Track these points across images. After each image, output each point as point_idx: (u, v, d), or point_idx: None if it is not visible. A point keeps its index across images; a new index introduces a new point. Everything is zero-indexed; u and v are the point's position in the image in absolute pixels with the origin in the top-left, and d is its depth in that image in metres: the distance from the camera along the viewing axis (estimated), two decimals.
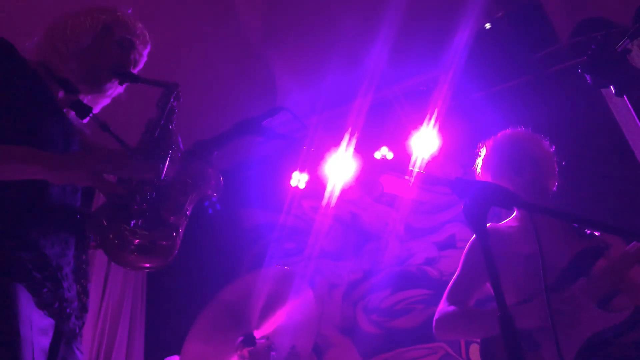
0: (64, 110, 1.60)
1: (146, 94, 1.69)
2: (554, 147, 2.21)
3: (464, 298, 1.97)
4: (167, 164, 1.57)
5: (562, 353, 1.44)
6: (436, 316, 1.99)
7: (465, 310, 1.94)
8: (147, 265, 1.51)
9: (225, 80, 3.73)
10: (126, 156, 1.41)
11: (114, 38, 1.69)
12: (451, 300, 1.98)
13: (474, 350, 3.17)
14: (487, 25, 3.41)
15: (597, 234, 1.99)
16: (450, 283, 2.05)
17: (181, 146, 1.67)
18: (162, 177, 1.55)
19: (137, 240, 1.44)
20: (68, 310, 1.40)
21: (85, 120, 1.65)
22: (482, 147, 2.26)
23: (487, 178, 2.18)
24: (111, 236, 1.42)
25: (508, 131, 2.24)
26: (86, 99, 1.68)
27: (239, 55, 3.60)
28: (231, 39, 3.48)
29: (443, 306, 2.00)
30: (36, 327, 1.29)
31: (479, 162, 2.24)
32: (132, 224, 1.44)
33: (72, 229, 1.48)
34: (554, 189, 2.14)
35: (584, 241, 1.96)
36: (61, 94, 1.61)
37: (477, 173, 2.24)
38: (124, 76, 1.68)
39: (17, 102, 1.44)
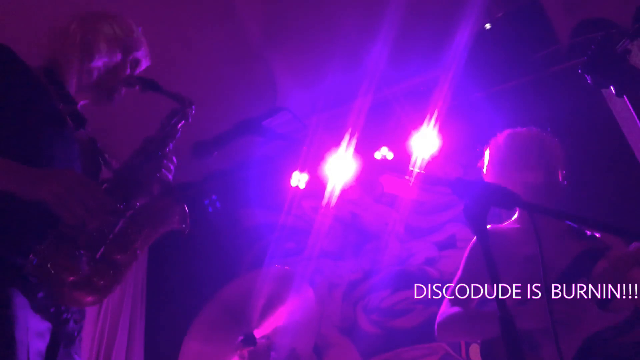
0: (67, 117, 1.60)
1: (149, 99, 1.70)
2: (559, 144, 2.20)
3: (466, 300, 1.97)
4: (137, 201, 1.53)
5: (562, 353, 1.44)
6: (438, 319, 1.99)
7: (467, 313, 1.94)
8: (89, 299, 1.45)
9: (225, 81, 3.72)
10: (89, 192, 1.34)
11: (128, 59, 1.71)
12: (453, 302, 1.98)
13: (474, 350, 3.17)
14: (487, 26, 3.41)
15: (597, 235, 1.99)
16: (452, 285, 2.05)
17: (172, 168, 1.65)
18: (137, 203, 1.52)
19: (71, 278, 1.38)
20: (65, 315, 1.40)
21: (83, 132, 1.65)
22: (487, 145, 2.25)
23: (492, 176, 2.18)
24: (49, 266, 1.36)
25: (513, 129, 2.23)
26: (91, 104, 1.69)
27: (239, 56, 3.60)
28: (231, 39, 3.48)
29: (445, 308, 1.99)
30: (32, 331, 1.29)
31: (485, 160, 2.24)
32: (76, 254, 1.39)
33: None
34: (564, 183, 2.12)
35: (585, 242, 1.96)
36: (61, 106, 1.61)
37: (482, 171, 2.24)
38: (146, 84, 1.69)
39: (17, 108, 1.44)
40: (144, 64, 1.78)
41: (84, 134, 1.64)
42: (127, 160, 1.60)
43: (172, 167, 1.66)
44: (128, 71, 1.72)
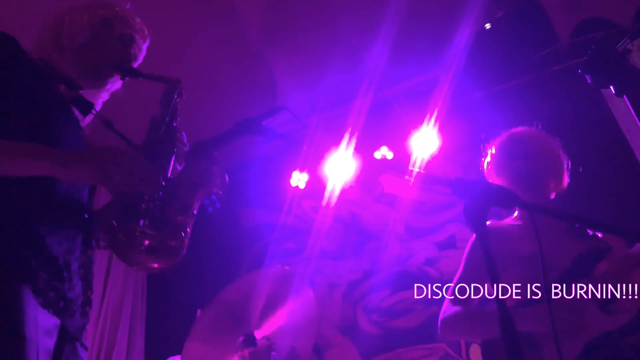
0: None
1: (147, 91, 1.69)
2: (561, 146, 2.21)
3: (467, 300, 1.97)
4: (172, 162, 1.58)
5: (564, 355, 1.43)
6: (441, 317, 1.98)
7: (469, 311, 1.93)
8: (156, 265, 1.52)
9: (225, 80, 3.72)
10: (135, 162, 1.40)
11: (114, 33, 1.69)
12: (455, 301, 1.98)
13: (474, 351, 3.17)
14: (487, 26, 3.41)
15: (599, 235, 1.99)
16: (453, 283, 2.05)
17: (185, 141, 1.68)
18: (169, 176, 1.56)
19: (147, 241, 1.45)
20: (73, 308, 1.40)
21: (89, 118, 1.65)
22: (491, 144, 2.25)
23: (492, 175, 2.18)
24: (121, 236, 1.43)
25: (517, 129, 2.23)
26: (86, 95, 1.68)
27: (239, 55, 3.60)
28: (231, 39, 3.48)
29: (447, 307, 1.99)
30: (41, 328, 1.29)
31: (487, 159, 2.24)
32: (140, 224, 1.45)
33: (79, 225, 1.48)
34: (562, 191, 2.13)
35: (586, 242, 1.95)
36: (63, 90, 1.61)
37: (484, 170, 2.24)
38: (126, 71, 1.68)
39: (26, 98, 1.44)
40: (141, 42, 1.75)
41: (97, 119, 1.65)
42: (145, 139, 1.62)
43: (184, 140, 1.68)
44: (121, 48, 1.69)
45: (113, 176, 1.36)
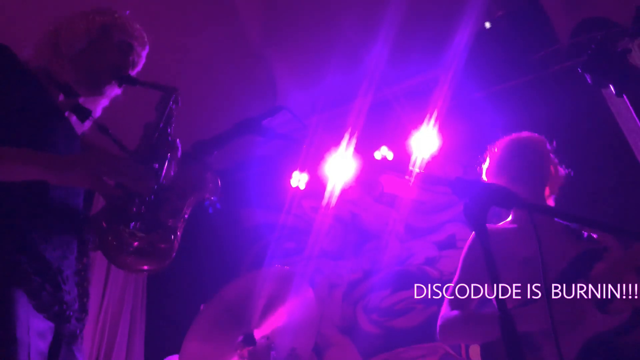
0: (66, 114, 1.61)
1: (145, 97, 1.69)
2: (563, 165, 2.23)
3: (466, 301, 1.96)
4: (165, 168, 1.58)
5: (563, 354, 1.43)
6: (440, 321, 1.98)
7: (468, 315, 1.93)
8: (145, 267, 1.52)
9: (226, 81, 3.73)
10: (126, 163, 1.41)
11: (112, 40, 1.68)
12: (453, 304, 1.97)
13: (474, 351, 3.17)
14: (487, 24, 3.41)
15: (594, 236, 1.99)
16: (451, 286, 2.04)
17: (179, 148, 1.68)
18: (161, 181, 1.56)
19: (135, 243, 1.44)
20: (68, 313, 1.40)
21: (87, 125, 1.65)
22: (488, 149, 2.26)
23: (491, 175, 2.18)
24: (110, 238, 1.43)
25: (514, 136, 2.24)
26: (86, 101, 1.68)
27: (239, 55, 3.60)
28: (231, 39, 3.48)
29: (445, 311, 1.98)
30: (34, 330, 1.29)
31: (485, 164, 2.24)
32: (131, 227, 1.45)
33: (74, 231, 1.48)
34: (552, 199, 2.15)
35: (583, 244, 1.96)
36: (61, 98, 1.61)
37: (484, 169, 2.25)
38: (122, 79, 1.68)
39: (19, 107, 1.44)
40: (140, 50, 1.74)
41: (93, 124, 1.65)
42: (139, 144, 1.63)
43: (178, 146, 1.68)
44: (119, 55, 1.69)
45: (104, 179, 1.36)
